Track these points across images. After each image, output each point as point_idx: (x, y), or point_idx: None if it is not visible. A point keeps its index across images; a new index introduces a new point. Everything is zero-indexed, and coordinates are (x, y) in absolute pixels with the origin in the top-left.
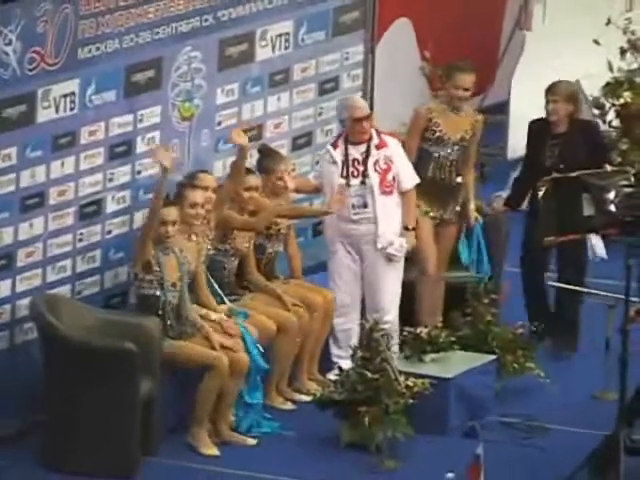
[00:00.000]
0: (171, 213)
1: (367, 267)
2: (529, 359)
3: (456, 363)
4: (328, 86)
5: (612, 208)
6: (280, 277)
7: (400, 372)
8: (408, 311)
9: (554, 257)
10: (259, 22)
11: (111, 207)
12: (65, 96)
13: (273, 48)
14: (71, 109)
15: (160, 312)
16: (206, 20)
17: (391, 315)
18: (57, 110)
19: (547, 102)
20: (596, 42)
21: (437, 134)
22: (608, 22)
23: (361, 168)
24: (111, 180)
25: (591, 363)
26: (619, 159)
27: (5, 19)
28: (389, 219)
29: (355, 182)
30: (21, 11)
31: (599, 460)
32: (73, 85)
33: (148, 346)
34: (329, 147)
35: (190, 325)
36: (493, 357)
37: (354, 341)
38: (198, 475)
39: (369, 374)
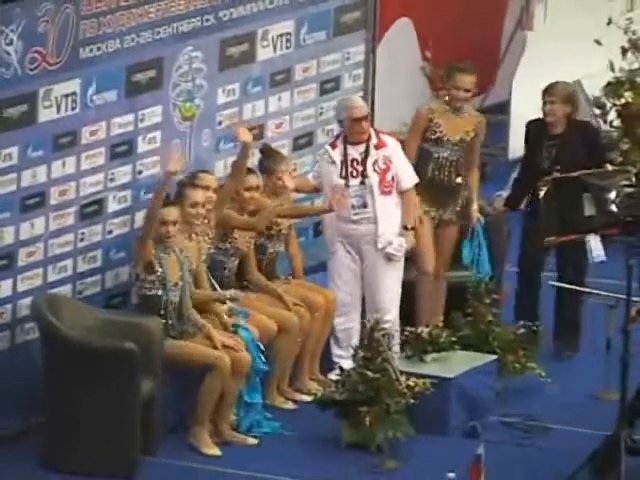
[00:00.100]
0: (171, 213)
1: (367, 267)
2: (530, 359)
3: (457, 363)
4: (329, 86)
5: (613, 208)
6: (281, 277)
7: (401, 372)
8: (409, 311)
9: (553, 257)
10: (260, 22)
11: (112, 207)
12: (66, 96)
13: (274, 48)
14: (72, 109)
15: (162, 312)
16: (207, 20)
17: (391, 315)
18: (58, 110)
19: (544, 103)
20: (597, 42)
21: (437, 135)
22: (609, 22)
23: (360, 168)
24: (112, 180)
25: (592, 363)
26: (620, 159)
27: (6, 19)
28: (389, 219)
29: (354, 182)
30: (22, 11)
31: (600, 460)
32: (74, 85)
33: (149, 346)
34: (327, 147)
35: (191, 324)
36: (494, 357)
37: (355, 341)
38: (199, 475)
39: (370, 374)
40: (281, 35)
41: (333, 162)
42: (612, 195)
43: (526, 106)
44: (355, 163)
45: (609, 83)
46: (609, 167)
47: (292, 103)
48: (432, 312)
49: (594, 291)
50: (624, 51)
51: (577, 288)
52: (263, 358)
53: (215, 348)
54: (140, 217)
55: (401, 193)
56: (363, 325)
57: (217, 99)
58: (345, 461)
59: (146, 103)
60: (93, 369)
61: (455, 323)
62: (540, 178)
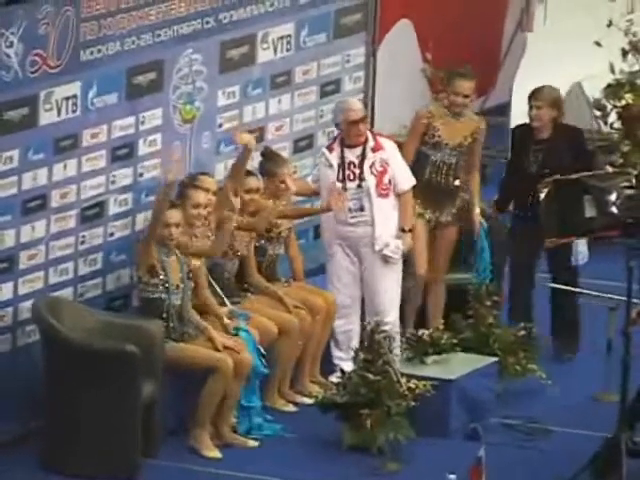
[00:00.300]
0: (174, 215)
1: (365, 269)
2: (531, 361)
3: (458, 365)
4: (329, 88)
5: (613, 210)
6: (281, 279)
7: (402, 374)
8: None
9: (543, 260)
10: (260, 24)
11: (113, 209)
12: (67, 99)
13: (274, 50)
14: (73, 112)
15: (164, 315)
16: (207, 22)
17: (391, 317)
18: (59, 113)
19: (530, 108)
20: (597, 44)
21: (435, 139)
22: (609, 24)
23: (357, 171)
24: (113, 182)
25: (592, 365)
26: (620, 161)
27: (7, 21)
28: (386, 221)
29: (352, 185)
30: (23, 13)
31: (601, 463)
32: (75, 88)
33: (150, 348)
34: (325, 150)
35: (193, 327)
36: (495, 359)
37: (355, 343)
38: (199, 477)
39: (371, 376)
40: (281, 37)
41: (330, 165)
42: (612, 197)
43: (527, 108)
44: (352, 166)
45: (609, 85)
46: (609, 169)
47: (292, 105)
48: (432, 315)
49: (595, 293)
50: (624, 53)
51: (578, 290)
52: (264, 361)
53: (216, 350)
54: (141, 220)
55: (398, 195)
56: (363, 327)
57: (217, 101)
58: (346, 463)
59: (147, 106)
60: (94, 371)
61: (456, 325)
62: (527, 182)
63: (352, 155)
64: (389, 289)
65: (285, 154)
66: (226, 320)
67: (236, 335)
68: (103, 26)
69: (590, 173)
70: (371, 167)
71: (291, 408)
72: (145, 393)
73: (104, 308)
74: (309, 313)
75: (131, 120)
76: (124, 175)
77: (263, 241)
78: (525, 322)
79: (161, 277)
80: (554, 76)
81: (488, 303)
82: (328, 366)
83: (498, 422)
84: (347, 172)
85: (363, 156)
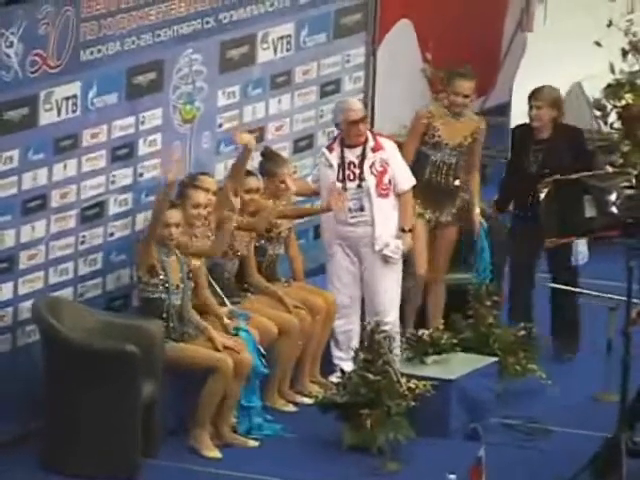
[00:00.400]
0: (174, 215)
1: (365, 269)
2: (531, 361)
3: (458, 365)
4: (329, 88)
5: (613, 210)
6: (281, 279)
7: (402, 374)
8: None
9: (545, 260)
10: (260, 24)
11: (113, 209)
12: (67, 99)
13: (274, 50)
14: (73, 112)
15: (164, 315)
16: (207, 22)
17: (391, 317)
18: (59, 113)
19: (530, 108)
20: (597, 44)
21: (435, 139)
22: (609, 24)
23: (357, 171)
24: (113, 182)
25: (592, 365)
26: (620, 161)
27: (7, 21)
28: (386, 221)
29: (352, 185)
30: (23, 13)
31: (601, 463)
32: (75, 88)
33: (150, 348)
34: (324, 150)
35: (193, 326)
36: (495, 359)
37: (355, 343)
38: (199, 477)
39: (371, 376)
40: (281, 37)
41: (330, 165)
42: (613, 197)
43: (527, 108)
44: (352, 166)
45: (609, 85)
46: (609, 169)
47: (292, 105)
48: (432, 315)
49: (595, 293)
50: (624, 53)
51: (579, 290)
52: (264, 361)
53: (216, 350)
54: (141, 220)
55: (398, 195)
56: (363, 327)
57: (217, 101)
58: (346, 463)
59: (147, 106)
60: (94, 371)
61: (456, 325)
62: (527, 182)
63: (352, 155)
64: (389, 289)
65: (285, 154)
66: (226, 320)
67: (236, 335)
68: (103, 26)
69: (590, 173)
70: (371, 167)
71: (291, 408)
72: (145, 393)
73: (104, 308)
74: (309, 313)
75: (131, 120)
76: (124, 175)
77: (263, 241)
78: (525, 322)
79: (161, 277)
80: (554, 76)
81: (488, 303)
82: (328, 366)
83: (498, 422)
84: (347, 172)
85: (363, 156)
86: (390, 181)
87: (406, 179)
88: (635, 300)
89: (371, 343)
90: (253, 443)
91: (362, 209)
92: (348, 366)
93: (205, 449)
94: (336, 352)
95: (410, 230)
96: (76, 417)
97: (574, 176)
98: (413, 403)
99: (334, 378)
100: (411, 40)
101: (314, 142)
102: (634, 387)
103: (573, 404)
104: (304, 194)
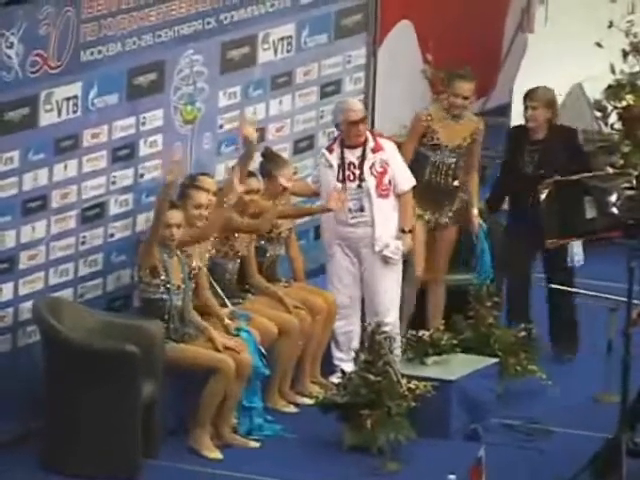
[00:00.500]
0: (175, 216)
1: (365, 270)
2: (531, 362)
3: (458, 366)
4: (330, 89)
5: (614, 211)
6: (282, 280)
7: (402, 375)
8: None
9: (540, 261)
10: (261, 25)
11: (114, 210)
12: (68, 99)
13: (275, 51)
14: (74, 112)
15: (166, 316)
16: (208, 23)
17: (391, 317)
18: (59, 113)
19: (526, 108)
20: (598, 45)
21: (434, 141)
22: (610, 25)
23: (357, 172)
24: (114, 183)
25: (593, 366)
26: (621, 161)
27: (7, 22)
28: (386, 222)
29: (352, 186)
30: (23, 14)
31: (601, 463)
32: (76, 88)
33: (150, 349)
34: (324, 151)
35: (193, 327)
36: (495, 360)
37: (355, 344)
38: (199, 478)
39: (371, 377)
40: (282, 38)
41: (330, 166)
42: (613, 198)
43: None
44: (352, 167)
45: (610, 86)
46: (610, 170)
47: (293, 106)
48: (432, 315)
49: (595, 294)
50: (625, 54)
51: (579, 291)
52: (264, 361)
53: (217, 350)
54: (142, 220)
55: (398, 196)
56: (363, 328)
57: (218, 102)
58: (347, 464)
59: (147, 106)
60: (94, 372)
61: (456, 326)
62: (523, 183)
63: (352, 156)
64: (389, 289)
65: (286, 155)
66: (227, 321)
67: (237, 336)
68: (104, 27)
69: (591, 174)
70: (371, 168)
71: (292, 409)
72: (145, 393)
73: (104, 309)
74: (309, 313)
75: (132, 121)
76: (125, 176)
77: (263, 242)
78: (523, 322)
79: (162, 278)
80: (554, 77)
81: (488, 304)
82: (328, 367)
83: (498, 423)
84: (347, 173)
85: (363, 157)
86: (390, 182)
87: (406, 180)
88: (635, 301)
89: (372, 344)
90: (253, 444)
91: (362, 210)
92: (348, 367)
93: (205, 450)
94: (336, 353)
95: (410, 231)
96: (76, 417)
97: (575, 177)
98: (413, 404)
99: (334, 379)
100: (411, 41)
101: (315, 143)
102: (634, 388)
103: (573, 405)
104: (304, 195)
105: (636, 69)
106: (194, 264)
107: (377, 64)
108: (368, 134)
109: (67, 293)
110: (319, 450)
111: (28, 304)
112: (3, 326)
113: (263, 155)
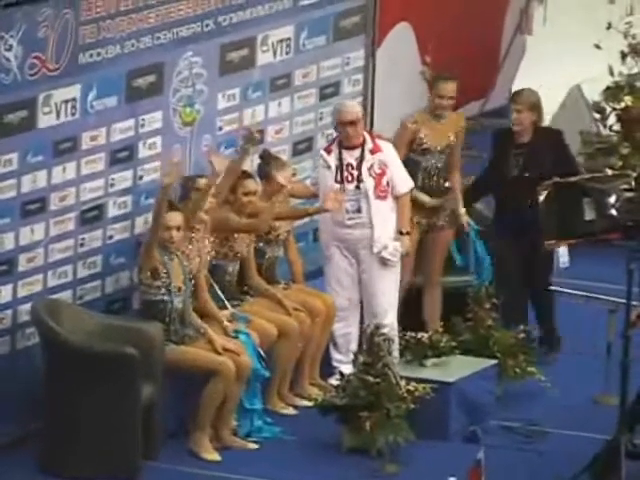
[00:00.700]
0: (174, 218)
1: (363, 271)
2: (530, 363)
3: (457, 368)
4: (329, 91)
5: (613, 212)
6: (281, 282)
7: (401, 377)
8: (411, 316)
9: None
10: (260, 27)
11: (112, 212)
12: (66, 101)
13: (274, 53)
14: (72, 114)
15: (167, 318)
16: (207, 25)
17: (389, 319)
18: (58, 115)
19: (511, 111)
20: (597, 46)
21: (424, 146)
22: (609, 26)
23: (355, 173)
24: (112, 185)
25: (592, 367)
26: (620, 163)
27: (6, 24)
28: (384, 223)
29: (350, 187)
30: (22, 16)
31: (600, 465)
32: (74, 90)
33: (149, 351)
34: (322, 152)
35: (193, 329)
36: (494, 362)
37: (354, 345)
38: None
39: (370, 379)
40: (281, 40)
41: (328, 167)
42: (612, 199)
43: None
44: (350, 168)
45: (609, 87)
46: (609, 171)
47: (292, 108)
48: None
49: (595, 295)
50: (623, 55)
51: (578, 293)
52: (264, 364)
53: (216, 352)
54: (141, 222)
55: (396, 198)
56: (362, 330)
57: (217, 104)
58: (346, 466)
59: (146, 108)
60: (93, 374)
61: (455, 328)
62: (508, 186)
63: (350, 157)
64: (387, 291)
65: (284, 157)
66: (226, 323)
67: (236, 338)
68: (102, 29)
69: (590, 175)
70: (369, 169)
71: (291, 411)
72: (144, 395)
73: (103, 311)
74: (308, 315)
75: (131, 123)
76: (124, 178)
77: (262, 243)
78: (520, 324)
79: (163, 279)
80: (553, 78)
81: (487, 306)
82: (327, 369)
83: (497, 424)
84: (345, 174)
85: (361, 158)
86: (388, 183)
87: (404, 182)
88: (635, 302)
89: (370, 346)
90: (253, 446)
91: (359, 211)
92: (347, 369)
93: (205, 452)
94: (335, 355)
95: (408, 233)
96: (76, 419)
97: (574, 179)
98: (412, 406)
99: (333, 381)
100: (410, 43)
101: (313, 145)
102: (634, 389)
103: (573, 406)
104: (304, 197)
105: (635, 71)
106: (194, 265)
107: (376, 66)
108: (366, 135)
109: (66, 295)
110: (318, 452)
111: (27, 306)
112: (2, 328)
113: (261, 157)
